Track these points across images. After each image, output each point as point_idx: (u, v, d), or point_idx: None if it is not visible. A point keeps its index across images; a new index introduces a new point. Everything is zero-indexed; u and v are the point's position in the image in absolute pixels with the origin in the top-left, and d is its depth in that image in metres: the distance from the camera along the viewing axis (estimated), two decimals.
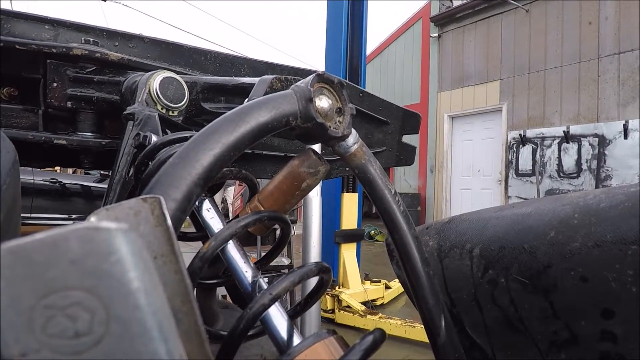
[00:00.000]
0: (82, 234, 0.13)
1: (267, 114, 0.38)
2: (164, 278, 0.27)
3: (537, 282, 0.48)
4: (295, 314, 0.43)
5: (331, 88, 0.45)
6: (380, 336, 0.33)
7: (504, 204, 7.78)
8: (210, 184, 0.35)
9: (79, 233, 0.13)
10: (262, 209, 0.44)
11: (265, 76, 0.53)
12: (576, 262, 0.44)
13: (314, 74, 0.42)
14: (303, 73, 1.08)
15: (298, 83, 0.43)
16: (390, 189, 0.47)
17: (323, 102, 0.43)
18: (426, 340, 0.47)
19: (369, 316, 3.50)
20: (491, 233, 0.55)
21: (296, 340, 0.37)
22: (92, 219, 0.25)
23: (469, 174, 8.68)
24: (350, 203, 4.05)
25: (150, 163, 0.51)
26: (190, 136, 0.54)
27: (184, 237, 0.53)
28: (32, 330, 0.12)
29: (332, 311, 3.74)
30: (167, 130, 0.61)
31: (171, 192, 0.30)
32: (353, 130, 0.45)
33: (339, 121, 0.45)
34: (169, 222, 0.26)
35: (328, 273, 0.40)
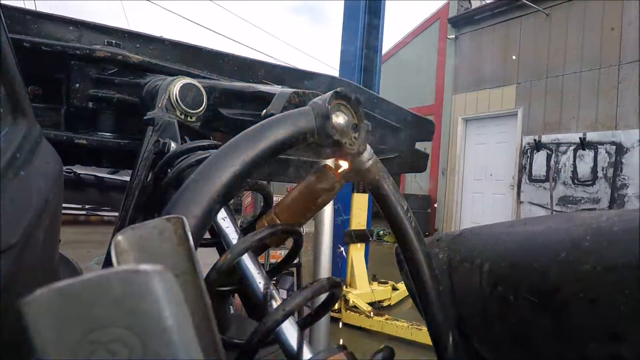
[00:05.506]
0: (123, 276, 0.14)
1: (285, 131, 0.39)
2: (184, 295, 0.28)
3: (547, 301, 0.48)
4: (305, 324, 0.44)
5: (348, 104, 0.46)
6: (390, 355, 0.33)
7: (516, 208, 7.69)
8: (229, 199, 0.36)
9: (120, 275, 0.14)
10: (279, 221, 0.46)
11: (284, 90, 0.54)
12: (586, 285, 0.44)
13: (331, 92, 0.43)
14: (319, 78, 1.09)
15: (316, 99, 0.44)
16: (402, 205, 0.47)
17: (340, 119, 0.44)
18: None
19: (375, 317, 3.51)
20: (502, 249, 0.55)
21: (306, 352, 0.38)
22: (119, 238, 0.26)
23: (481, 178, 8.59)
24: (360, 203, 4.05)
25: (169, 170, 0.52)
26: (207, 145, 0.55)
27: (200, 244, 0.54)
28: None
29: (339, 311, 3.75)
30: (185, 137, 0.63)
31: (192, 209, 0.32)
32: (368, 147, 0.46)
33: (354, 137, 0.45)
34: (191, 241, 0.27)
35: (339, 288, 0.41)
